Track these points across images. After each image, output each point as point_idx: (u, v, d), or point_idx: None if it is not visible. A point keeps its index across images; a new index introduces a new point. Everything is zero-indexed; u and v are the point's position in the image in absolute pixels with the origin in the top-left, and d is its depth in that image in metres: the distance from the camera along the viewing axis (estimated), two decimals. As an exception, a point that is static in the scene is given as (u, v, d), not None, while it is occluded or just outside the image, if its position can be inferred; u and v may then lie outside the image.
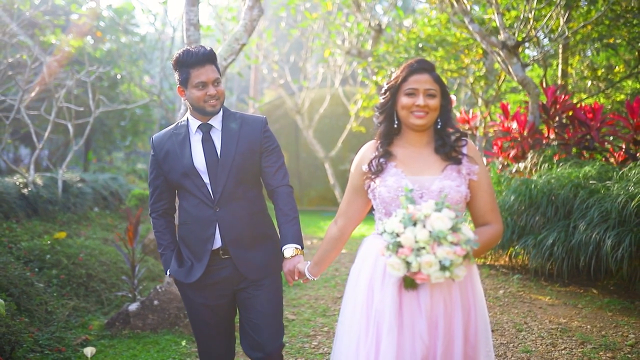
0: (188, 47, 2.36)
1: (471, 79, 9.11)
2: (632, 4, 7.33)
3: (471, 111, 8.69)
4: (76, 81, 7.08)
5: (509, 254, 6.12)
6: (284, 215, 2.40)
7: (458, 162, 2.00)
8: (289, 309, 4.84)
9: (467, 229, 1.76)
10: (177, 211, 2.54)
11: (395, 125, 2.07)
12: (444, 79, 9.15)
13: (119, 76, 10.70)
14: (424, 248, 1.71)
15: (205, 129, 2.41)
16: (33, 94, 6.56)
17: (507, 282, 5.47)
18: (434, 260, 1.70)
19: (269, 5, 13.31)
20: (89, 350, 3.71)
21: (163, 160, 2.44)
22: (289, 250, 2.33)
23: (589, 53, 9.23)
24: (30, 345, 3.50)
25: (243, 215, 2.38)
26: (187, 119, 2.45)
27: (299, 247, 2.34)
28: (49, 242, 4.96)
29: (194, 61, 2.31)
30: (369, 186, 2.06)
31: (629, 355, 3.44)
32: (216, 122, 2.42)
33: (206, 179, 2.38)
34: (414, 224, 1.74)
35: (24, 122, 7.07)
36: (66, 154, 12.41)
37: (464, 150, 2.04)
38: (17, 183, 5.98)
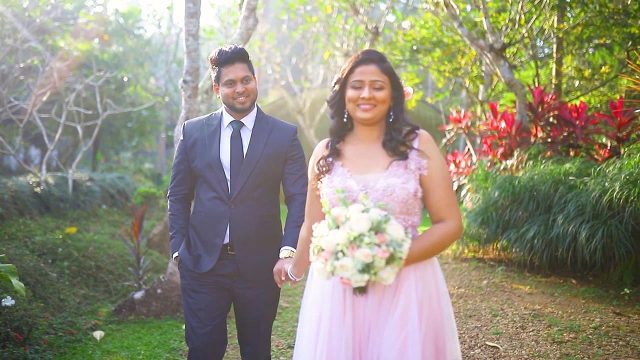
0: (222, 47, 2.43)
1: (467, 80, 9.40)
2: (620, 6, 7.60)
3: (462, 111, 8.97)
4: (85, 85, 7.45)
5: (495, 247, 6.41)
6: (293, 221, 2.45)
7: (404, 156, 1.87)
8: (283, 298, 5.18)
9: (395, 229, 1.66)
10: (194, 199, 2.59)
11: (345, 120, 1.97)
12: (441, 79, 9.42)
13: (125, 79, 11.08)
14: (342, 251, 1.64)
15: (237, 126, 2.47)
16: (44, 98, 6.93)
17: (492, 273, 5.76)
18: (350, 263, 1.61)
19: (270, 8, 13.64)
20: (98, 334, 4.08)
21: (190, 148, 2.49)
22: (284, 252, 2.38)
23: (590, 51, 9.43)
24: (45, 328, 3.87)
25: (255, 217, 2.43)
26: (222, 112, 2.51)
27: (294, 250, 2.34)
28: (60, 237, 5.33)
29: (223, 60, 2.39)
30: (319, 187, 1.96)
31: (590, 336, 3.74)
32: (248, 121, 2.48)
33: (228, 175, 2.43)
34: (338, 227, 1.67)
35: (34, 124, 7.46)
36: (75, 154, 12.83)
37: (415, 144, 1.90)
38: (31, 182, 6.36)
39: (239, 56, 2.40)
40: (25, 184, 6.26)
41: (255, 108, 2.52)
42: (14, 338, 3.45)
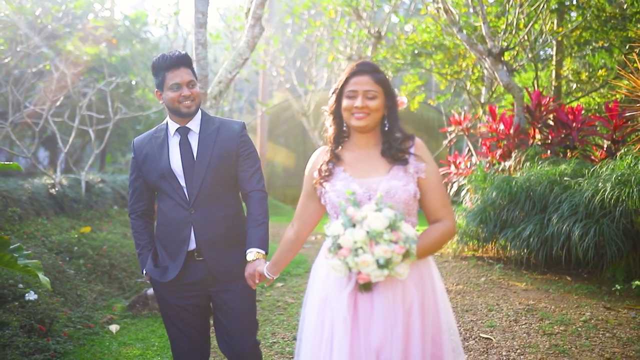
0: (164, 52, 2.44)
1: (468, 83, 9.59)
2: (617, 10, 7.79)
3: (463, 113, 9.17)
4: (96, 90, 7.72)
5: (493, 245, 6.61)
6: (253, 220, 2.43)
7: (404, 162, 1.99)
8: (289, 294, 5.41)
9: (407, 227, 1.76)
10: (156, 212, 2.58)
11: (345, 128, 2.10)
12: (444, 81, 9.63)
13: (133, 82, 11.34)
14: (361, 248, 1.72)
15: (183, 132, 2.46)
16: (58, 103, 7.19)
17: (490, 271, 5.97)
18: (370, 259, 1.70)
19: (275, 12, 13.88)
20: (114, 327, 4.32)
21: (142, 163, 2.49)
22: (251, 254, 2.37)
23: (591, 54, 9.58)
24: (65, 321, 4.11)
25: (218, 218, 2.43)
26: (167, 123, 2.51)
27: (261, 251, 2.37)
28: (76, 236, 5.58)
29: (168, 64, 2.38)
30: (321, 192, 2.06)
31: (580, 329, 3.95)
32: (194, 125, 2.47)
33: (182, 182, 2.42)
34: (354, 226, 1.76)
35: (45, 127, 7.73)
36: (83, 156, 13.11)
37: (412, 149, 2.03)
38: (46, 184, 6.61)
39: (183, 61, 2.41)
40: (40, 185, 6.52)
41: (200, 112, 2.52)
42: (38, 329, 3.69)
